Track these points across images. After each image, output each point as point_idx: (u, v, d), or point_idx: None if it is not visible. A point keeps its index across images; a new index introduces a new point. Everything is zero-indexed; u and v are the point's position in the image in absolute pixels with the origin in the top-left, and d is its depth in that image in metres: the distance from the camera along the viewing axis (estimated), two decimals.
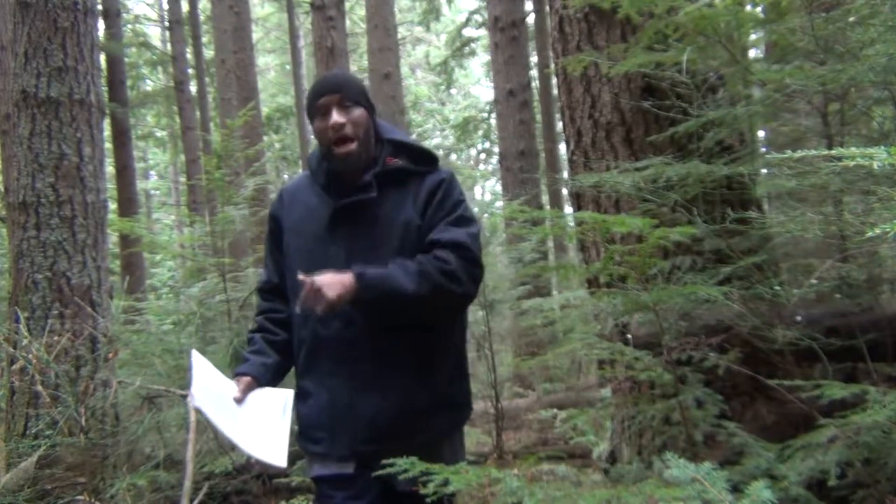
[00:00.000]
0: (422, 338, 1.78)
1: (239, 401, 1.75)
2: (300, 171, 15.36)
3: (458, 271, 1.69)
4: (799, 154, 1.28)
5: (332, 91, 1.77)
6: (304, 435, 1.83)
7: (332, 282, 1.59)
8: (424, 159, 1.86)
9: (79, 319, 3.78)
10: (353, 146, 1.76)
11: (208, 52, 15.07)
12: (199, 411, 1.67)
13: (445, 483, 1.41)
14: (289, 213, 1.90)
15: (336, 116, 1.74)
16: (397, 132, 1.94)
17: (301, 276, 1.60)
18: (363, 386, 1.74)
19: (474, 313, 5.17)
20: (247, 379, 1.80)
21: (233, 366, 3.56)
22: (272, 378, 1.86)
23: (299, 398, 1.84)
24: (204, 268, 4.88)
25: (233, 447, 1.62)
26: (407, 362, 1.75)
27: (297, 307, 1.64)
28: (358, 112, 1.78)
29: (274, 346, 1.89)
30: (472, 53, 15.14)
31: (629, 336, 2.57)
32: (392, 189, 1.80)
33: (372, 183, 1.77)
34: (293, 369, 1.93)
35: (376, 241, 1.77)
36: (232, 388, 1.78)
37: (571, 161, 3.19)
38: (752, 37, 2.69)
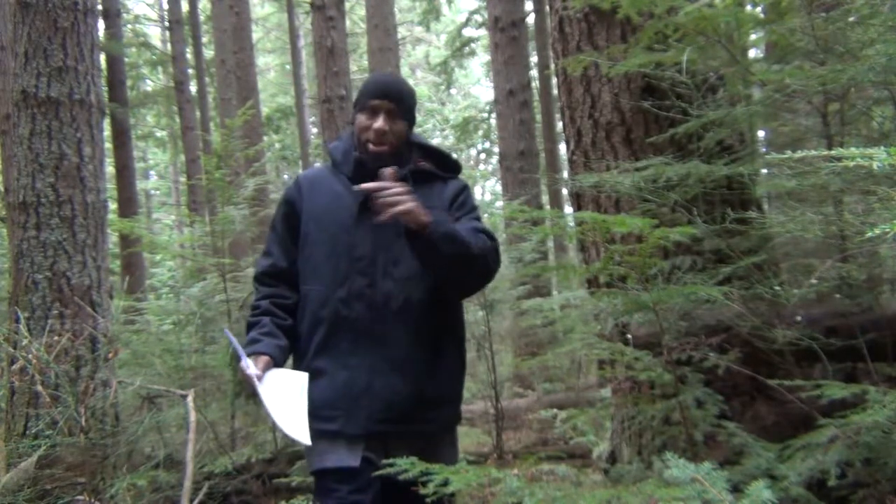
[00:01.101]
0: (437, 328, 1.87)
1: (259, 378, 1.75)
2: (300, 171, 15.35)
3: (495, 253, 1.86)
4: (799, 154, 1.28)
5: (389, 98, 1.88)
6: (316, 414, 1.80)
7: (415, 201, 1.67)
8: (450, 166, 2.02)
9: (79, 319, 3.79)
10: (385, 148, 1.87)
11: (208, 52, 15.07)
12: (251, 379, 1.72)
13: (445, 483, 1.41)
14: (309, 199, 1.94)
15: (382, 123, 1.86)
16: (423, 138, 2.07)
17: (387, 170, 1.68)
18: (382, 368, 1.79)
19: (474, 313, 5.17)
20: (265, 358, 1.80)
21: (233, 365, 3.56)
22: (283, 361, 1.88)
23: (311, 378, 1.84)
24: (204, 268, 4.89)
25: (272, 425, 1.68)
26: (423, 350, 1.83)
27: (361, 188, 1.68)
28: (401, 125, 1.90)
29: (283, 330, 1.90)
30: (472, 53, 15.13)
31: (629, 336, 2.57)
32: (419, 187, 1.89)
33: (407, 177, 1.87)
34: (297, 352, 1.93)
35: (402, 230, 1.80)
36: (250, 365, 1.78)
37: (571, 161, 3.19)
38: (752, 37, 2.69)
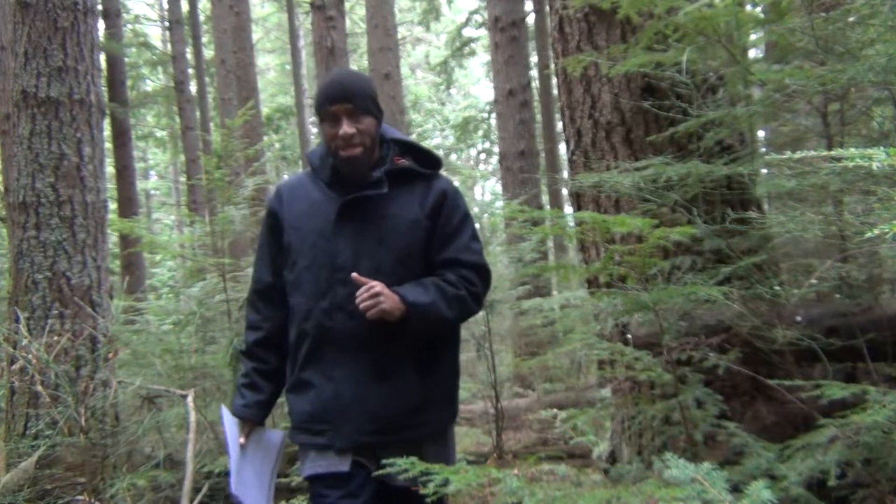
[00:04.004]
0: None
1: (243, 446, 1.89)
2: (300, 170, 15.34)
3: (482, 293, 1.88)
4: (799, 154, 1.28)
5: (344, 100, 1.78)
6: (306, 428, 1.83)
7: (390, 295, 1.70)
8: (430, 162, 1.92)
9: (79, 319, 3.79)
10: (357, 151, 1.80)
11: (208, 52, 15.07)
12: (234, 446, 1.88)
13: (445, 483, 1.41)
14: (290, 208, 1.91)
15: (346, 127, 1.77)
16: (400, 133, 1.99)
17: (354, 276, 1.70)
18: (369, 377, 1.78)
19: None
20: (249, 425, 1.93)
21: (233, 366, 3.56)
22: (268, 413, 1.97)
23: (300, 390, 1.85)
24: (204, 268, 4.88)
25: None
26: (410, 355, 1.81)
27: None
28: (367, 121, 1.81)
29: (265, 376, 1.95)
30: (472, 53, 15.15)
31: (629, 336, 2.57)
32: (398, 187, 1.84)
33: (383, 179, 1.82)
34: (288, 363, 1.95)
35: (383, 236, 1.80)
36: (235, 429, 1.91)
37: (571, 161, 3.19)
38: (752, 37, 2.68)
